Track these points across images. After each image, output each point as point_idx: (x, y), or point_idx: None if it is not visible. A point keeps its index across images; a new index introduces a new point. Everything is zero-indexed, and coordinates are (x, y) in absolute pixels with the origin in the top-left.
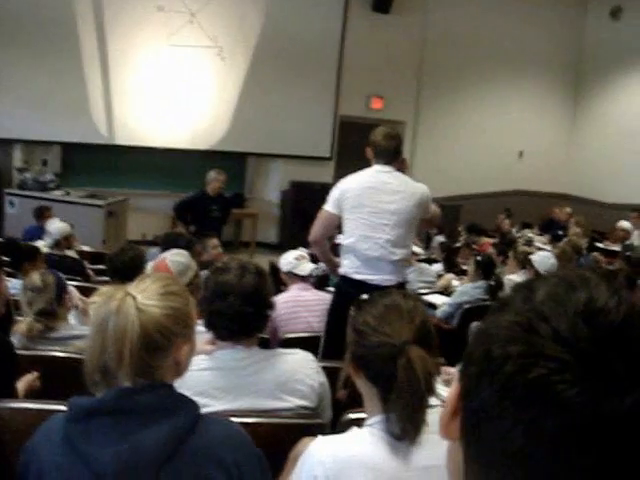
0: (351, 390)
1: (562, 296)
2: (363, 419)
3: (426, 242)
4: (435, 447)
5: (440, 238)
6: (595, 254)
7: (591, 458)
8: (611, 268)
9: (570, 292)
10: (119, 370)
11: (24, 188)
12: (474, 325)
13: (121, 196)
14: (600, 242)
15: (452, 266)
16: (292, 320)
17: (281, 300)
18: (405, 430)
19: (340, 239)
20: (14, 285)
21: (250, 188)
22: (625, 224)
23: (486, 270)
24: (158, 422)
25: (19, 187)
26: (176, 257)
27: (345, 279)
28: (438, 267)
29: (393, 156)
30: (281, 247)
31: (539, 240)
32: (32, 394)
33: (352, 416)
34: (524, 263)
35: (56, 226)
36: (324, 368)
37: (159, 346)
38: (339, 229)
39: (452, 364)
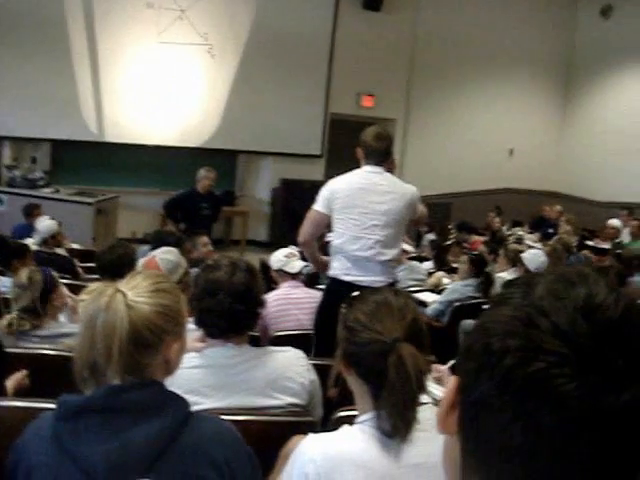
0: (342, 388)
1: (561, 292)
2: (354, 417)
3: (416, 240)
4: (426, 444)
5: (430, 236)
6: (585, 252)
7: (588, 452)
8: (602, 266)
9: (569, 288)
10: (108, 367)
11: (13, 186)
12: (465, 323)
13: (111, 194)
14: (590, 240)
15: (442, 264)
16: (283, 318)
17: (272, 298)
18: (396, 427)
19: (330, 237)
20: (3, 283)
21: (240, 186)
22: (615, 222)
23: (478, 267)
24: (148, 420)
25: (8, 185)
26: (166, 255)
27: (334, 281)
28: (428, 265)
29: (384, 157)
30: (271, 245)
31: (529, 238)
32: (21, 392)
33: (343, 414)
34: (514, 261)
35: (44, 224)
36: (315, 366)
37: (149, 343)
38: (329, 227)
39: (443, 362)
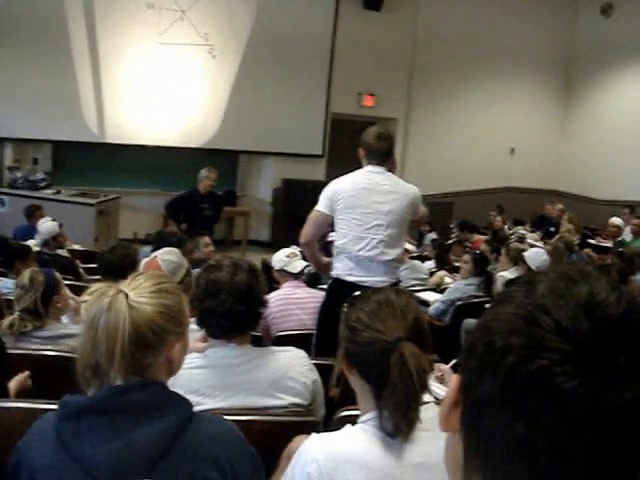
0: (344, 387)
1: (563, 290)
2: (356, 416)
3: (418, 239)
4: (428, 444)
5: (432, 235)
6: (587, 250)
7: (590, 450)
8: (604, 264)
9: (571, 286)
10: (110, 368)
11: (15, 187)
12: (467, 322)
13: (112, 194)
14: (592, 239)
15: (444, 263)
16: (285, 318)
17: (273, 298)
18: (398, 427)
19: (333, 237)
20: (5, 284)
21: (242, 186)
22: (617, 221)
23: (481, 266)
24: (150, 420)
25: (10, 186)
26: (167, 256)
27: (337, 281)
28: (430, 264)
29: (385, 157)
30: (273, 245)
31: (531, 237)
32: (23, 393)
33: (345, 413)
34: (516, 260)
35: (46, 225)
36: (317, 365)
37: (151, 344)
38: (331, 227)
39: (445, 361)
